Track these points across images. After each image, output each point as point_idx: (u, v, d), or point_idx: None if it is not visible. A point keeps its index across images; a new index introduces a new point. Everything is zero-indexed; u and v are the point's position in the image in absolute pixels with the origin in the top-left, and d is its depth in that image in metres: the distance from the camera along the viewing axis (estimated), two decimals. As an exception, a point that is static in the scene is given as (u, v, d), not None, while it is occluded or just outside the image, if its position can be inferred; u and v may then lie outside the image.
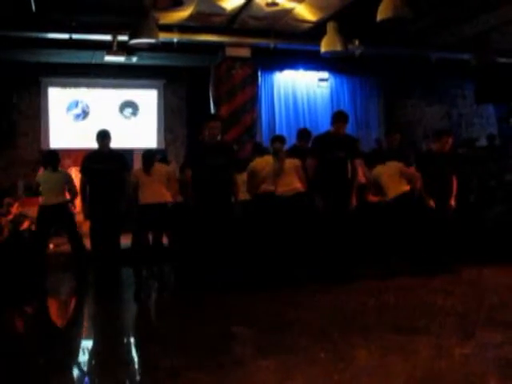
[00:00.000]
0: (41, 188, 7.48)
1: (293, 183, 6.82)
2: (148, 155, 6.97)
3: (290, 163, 6.93)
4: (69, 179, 7.63)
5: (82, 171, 7.19)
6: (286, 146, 8.12)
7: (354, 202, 6.87)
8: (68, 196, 7.58)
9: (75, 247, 7.52)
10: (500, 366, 3.84)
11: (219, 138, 6.93)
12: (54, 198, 7.37)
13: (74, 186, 7.58)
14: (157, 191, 6.70)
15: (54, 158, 7.61)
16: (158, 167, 6.95)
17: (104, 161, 7.04)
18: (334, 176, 6.87)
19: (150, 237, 7.03)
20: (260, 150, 7.61)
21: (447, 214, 7.09)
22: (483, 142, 10.83)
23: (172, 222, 7.11)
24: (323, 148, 6.92)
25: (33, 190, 7.78)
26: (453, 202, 7.16)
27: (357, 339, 4.53)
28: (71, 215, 7.66)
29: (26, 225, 7.89)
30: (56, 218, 7.42)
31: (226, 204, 6.61)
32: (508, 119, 12.37)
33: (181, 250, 7.46)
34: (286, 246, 6.73)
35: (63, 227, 7.66)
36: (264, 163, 6.93)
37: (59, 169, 7.65)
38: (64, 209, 7.47)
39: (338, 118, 7.00)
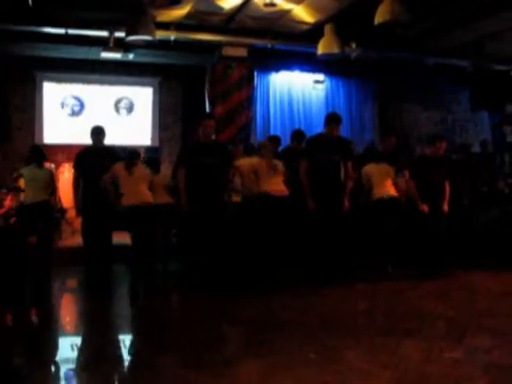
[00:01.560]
0: (24, 184, 7.28)
1: (281, 184, 6.85)
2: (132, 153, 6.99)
3: (279, 164, 6.96)
4: (53, 177, 7.56)
5: (75, 167, 7.16)
6: (281, 147, 8.18)
7: (346, 204, 6.88)
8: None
9: (45, 244, 7.23)
10: (489, 371, 3.86)
11: (213, 136, 6.92)
12: (40, 197, 7.23)
13: (55, 184, 7.57)
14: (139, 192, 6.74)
15: (41, 154, 7.49)
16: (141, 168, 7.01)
17: (98, 157, 7.01)
18: (326, 178, 6.88)
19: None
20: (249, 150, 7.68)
21: (440, 219, 7.11)
22: (477, 148, 10.86)
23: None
24: (316, 150, 6.93)
25: (11, 183, 7.43)
26: (446, 207, 7.19)
27: (347, 341, 4.53)
28: (52, 212, 7.50)
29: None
30: (40, 215, 7.21)
31: (219, 204, 6.60)
32: (501, 126, 12.41)
33: (175, 250, 7.49)
34: (278, 247, 6.74)
35: (44, 223, 7.27)
36: (251, 163, 6.98)
37: (44, 166, 7.51)
38: (48, 205, 7.31)
39: (332, 119, 7.01)
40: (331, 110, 9.53)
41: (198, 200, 6.45)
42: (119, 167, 6.78)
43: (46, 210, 7.30)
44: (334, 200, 6.85)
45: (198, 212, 6.46)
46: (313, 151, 6.95)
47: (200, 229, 6.48)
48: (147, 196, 6.75)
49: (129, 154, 6.91)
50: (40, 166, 7.39)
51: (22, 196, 7.32)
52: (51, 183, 7.44)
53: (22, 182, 7.34)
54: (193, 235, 6.63)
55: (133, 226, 6.70)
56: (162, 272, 7.29)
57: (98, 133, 7.13)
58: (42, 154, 7.53)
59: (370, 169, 7.45)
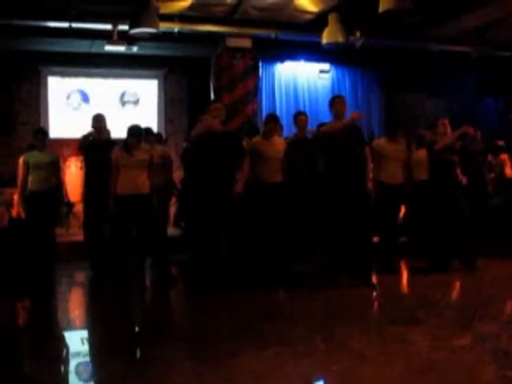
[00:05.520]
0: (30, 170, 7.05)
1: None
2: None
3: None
4: (58, 164, 7.32)
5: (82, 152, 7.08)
6: (285, 135, 8.14)
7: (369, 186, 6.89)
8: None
9: (51, 236, 7.21)
10: (497, 357, 3.85)
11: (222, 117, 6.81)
12: (44, 185, 7.05)
13: (60, 173, 7.38)
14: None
15: (42, 132, 7.28)
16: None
17: (102, 150, 6.91)
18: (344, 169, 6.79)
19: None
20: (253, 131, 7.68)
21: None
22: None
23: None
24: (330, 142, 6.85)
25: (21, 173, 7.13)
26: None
27: (355, 330, 4.53)
28: (57, 205, 7.35)
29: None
30: (44, 206, 7.04)
31: (230, 191, 6.53)
32: (508, 113, 12.33)
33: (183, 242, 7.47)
34: (282, 239, 6.71)
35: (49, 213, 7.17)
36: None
37: (47, 149, 7.24)
38: (53, 196, 7.14)
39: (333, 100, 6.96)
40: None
41: (208, 187, 6.38)
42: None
43: (51, 202, 7.12)
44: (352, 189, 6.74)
45: (208, 204, 6.41)
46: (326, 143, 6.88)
47: (210, 221, 6.44)
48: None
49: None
50: (42, 149, 7.14)
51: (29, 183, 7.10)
52: (56, 169, 7.23)
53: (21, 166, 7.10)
54: (202, 227, 6.60)
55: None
56: (165, 263, 7.23)
57: (98, 120, 7.05)
58: (43, 132, 7.33)
59: None
